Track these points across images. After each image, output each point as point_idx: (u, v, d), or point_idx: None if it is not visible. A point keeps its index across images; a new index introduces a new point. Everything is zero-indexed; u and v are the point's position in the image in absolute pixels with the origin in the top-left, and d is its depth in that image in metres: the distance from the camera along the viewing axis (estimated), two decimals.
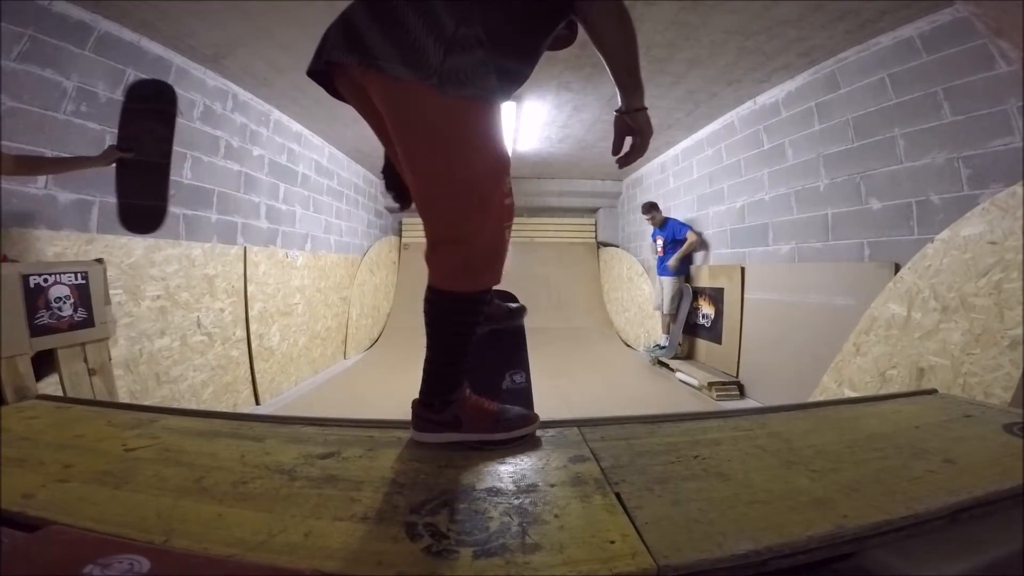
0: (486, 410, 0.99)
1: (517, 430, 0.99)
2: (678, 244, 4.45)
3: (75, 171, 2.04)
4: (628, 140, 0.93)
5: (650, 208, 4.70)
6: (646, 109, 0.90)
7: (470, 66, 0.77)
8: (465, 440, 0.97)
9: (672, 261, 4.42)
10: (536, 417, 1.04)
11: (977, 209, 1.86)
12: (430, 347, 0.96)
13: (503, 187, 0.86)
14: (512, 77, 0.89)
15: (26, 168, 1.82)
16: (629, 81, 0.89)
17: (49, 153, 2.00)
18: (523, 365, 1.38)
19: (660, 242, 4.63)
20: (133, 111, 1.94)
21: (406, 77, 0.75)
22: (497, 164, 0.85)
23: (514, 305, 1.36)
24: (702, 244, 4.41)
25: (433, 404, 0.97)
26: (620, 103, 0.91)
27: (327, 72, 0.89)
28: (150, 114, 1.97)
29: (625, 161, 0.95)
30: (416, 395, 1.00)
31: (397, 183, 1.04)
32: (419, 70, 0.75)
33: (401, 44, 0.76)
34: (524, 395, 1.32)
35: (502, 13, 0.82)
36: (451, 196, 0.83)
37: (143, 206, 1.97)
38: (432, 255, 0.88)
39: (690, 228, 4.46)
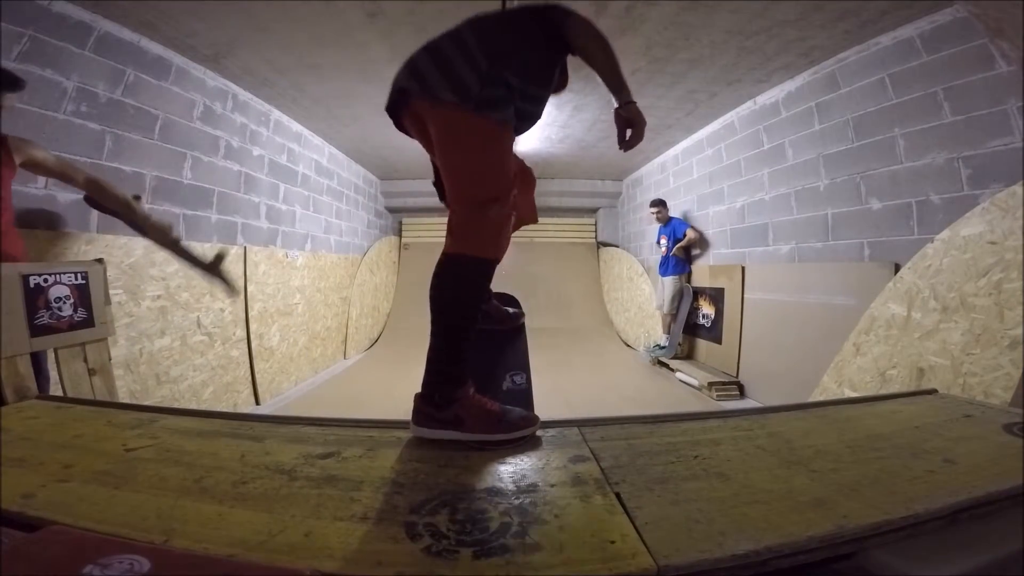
0: (488, 410, 1.01)
1: (518, 431, 1.00)
2: (679, 243, 4.50)
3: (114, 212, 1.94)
4: (628, 131, 1.11)
5: (657, 203, 4.75)
6: (635, 102, 1.10)
7: (499, 97, 1.01)
8: (465, 440, 0.97)
9: (675, 250, 4.50)
10: (536, 419, 1.05)
11: (977, 209, 1.86)
12: (435, 334, 1.03)
13: (513, 184, 1.07)
14: (531, 104, 1.12)
15: (92, 189, 1.81)
16: (616, 82, 1.11)
17: (118, 192, 1.87)
18: (524, 366, 1.39)
19: (664, 241, 4.64)
20: (215, 266, 1.99)
21: (453, 101, 0.99)
22: (509, 168, 1.07)
23: (512, 310, 1.49)
24: (702, 241, 4.43)
25: (435, 398, 1.00)
26: (615, 102, 1.11)
27: (396, 112, 1.14)
28: (211, 271, 1.99)
29: (628, 146, 1.13)
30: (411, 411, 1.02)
31: (443, 188, 1.25)
32: (462, 96, 0.99)
33: (450, 78, 1.01)
34: (524, 396, 1.32)
35: (522, 57, 1.07)
36: (478, 183, 1.03)
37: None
38: (455, 227, 1.04)
39: (690, 226, 4.49)
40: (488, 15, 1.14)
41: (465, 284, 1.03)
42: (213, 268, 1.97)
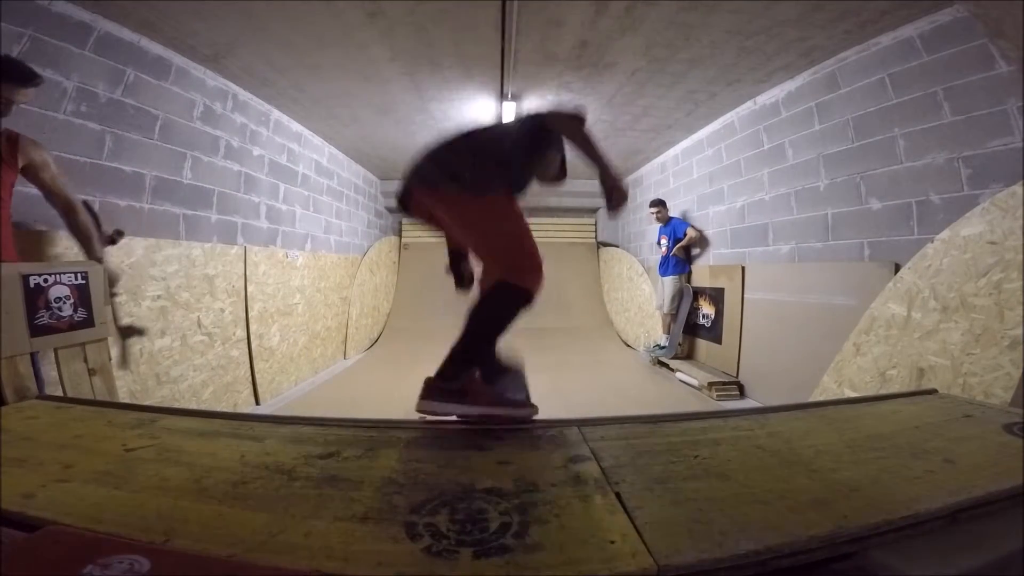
0: (491, 389, 1.15)
1: (518, 410, 1.09)
2: (680, 242, 4.50)
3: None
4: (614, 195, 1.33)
5: (657, 203, 4.75)
6: (618, 177, 1.33)
7: (486, 180, 1.24)
8: (468, 413, 1.04)
9: (676, 250, 4.50)
10: (536, 408, 1.13)
11: (977, 209, 1.86)
12: (462, 338, 1.20)
13: (530, 234, 1.29)
14: (520, 182, 1.38)
15: (67, 211, 1.81)
16: (594, 154, 1.35)
17: (85, 227, 1.86)
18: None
19: (664, 241, 4.64)
20: (125, 333, 2.11)
21: (454, 191, 1.24)
22: (519, 224, 1.28)
23: (511, 368, 1.42)
24: (703, 240, 4.43)
25: (445, 373, 1.13)
26: (597, 170, 1.33)
27: (406, 203, 1.37)
28: (121, 334, 2.09)
29: (614, 207, 1.34)
30: (417, 395, 1.09)
31: (458, 271, 1.55)
32: (460, 186, 1.23)
33: (449, 175, 1.25)
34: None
35: (507, 148, 1.33)
36: (495, 241, 1.27)
37: None
38: (501, 271, 1.23)
39: (690, 225, 4.49)
40: (478, 127, 1.44)
41: (505, 306, 1.22)
42: (123, 333, 2.01)
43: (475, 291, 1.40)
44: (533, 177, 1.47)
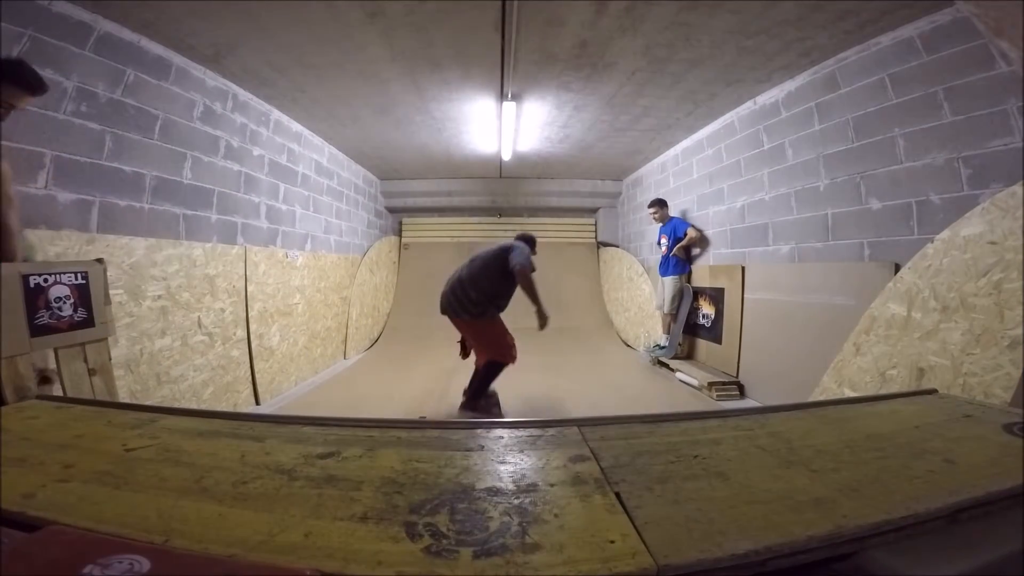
0: (491, 413, 2.71)
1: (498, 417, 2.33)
2: (680, 242, 4.49)
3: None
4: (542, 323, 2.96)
5: (656, 203, 4.74)
6: (540, 312, 2.93)
7: (483, 308, 2.91)
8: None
9: (676, 250, 4.49)
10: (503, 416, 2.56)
11: (977, 209, 1.86)
12: (475, 387, 3.02)
13: (508, 335, 3.01)
14: (501, 305, 3.01)
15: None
16: (532, 300, 2.88)
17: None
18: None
19: (664, 241, 4.64)
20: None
21: (467, 318, 2.93)
22: (503, 331, 3.01)
23: (493, 394, 3.13)
24: (703, 240, 4.42)
25: (469, 402, 2.86)
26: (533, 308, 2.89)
27: (445, 313, 3.06)
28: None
29: (540, 328, 2.92)
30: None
31: (464, 347, 3.19)
32: (469, 315, 2.92)
33: (462, 307, 2.91)
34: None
35: (494, 289, 2.93)
36: (489, 342, 3.00)
37: None
38: (490, 357, 3.00)
39: (690, 225, 4.49)
40: (479, 258, 3.00)
41: (493, 372, 2.98)
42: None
43: (472, 357, 3.09)
44: (512, 291, 2.97)
